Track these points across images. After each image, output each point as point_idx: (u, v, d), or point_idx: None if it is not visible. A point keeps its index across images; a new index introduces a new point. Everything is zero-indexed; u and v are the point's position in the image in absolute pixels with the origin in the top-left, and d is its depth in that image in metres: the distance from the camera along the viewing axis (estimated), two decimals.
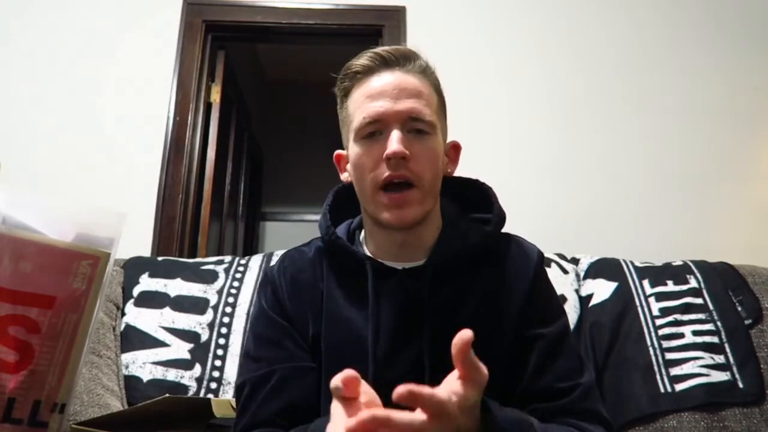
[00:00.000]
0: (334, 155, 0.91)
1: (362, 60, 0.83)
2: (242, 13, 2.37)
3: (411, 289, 0.82)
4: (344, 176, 0.89)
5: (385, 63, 0.82)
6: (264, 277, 0.92)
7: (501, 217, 0.89)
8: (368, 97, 0.81)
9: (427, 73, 0.85)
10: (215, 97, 2.40)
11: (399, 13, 2.33)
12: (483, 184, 0.94)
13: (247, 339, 0.89)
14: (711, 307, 1.46)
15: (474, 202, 0.93)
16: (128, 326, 1.37)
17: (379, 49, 0.83)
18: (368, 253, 0.88)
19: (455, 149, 0.90)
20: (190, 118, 2.21)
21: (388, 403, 0.74)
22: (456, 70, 2.23)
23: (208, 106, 2.37)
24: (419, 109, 0.80)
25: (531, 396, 0.79)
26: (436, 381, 0.75)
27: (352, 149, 0.83)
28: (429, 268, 0.83)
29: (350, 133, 0.83)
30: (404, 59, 0.83)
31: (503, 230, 0.90)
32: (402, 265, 0.85)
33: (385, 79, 0.81)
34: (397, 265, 0.85)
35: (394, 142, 0.77)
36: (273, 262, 1.23)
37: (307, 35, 2.43)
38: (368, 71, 0.82)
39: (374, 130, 0.80)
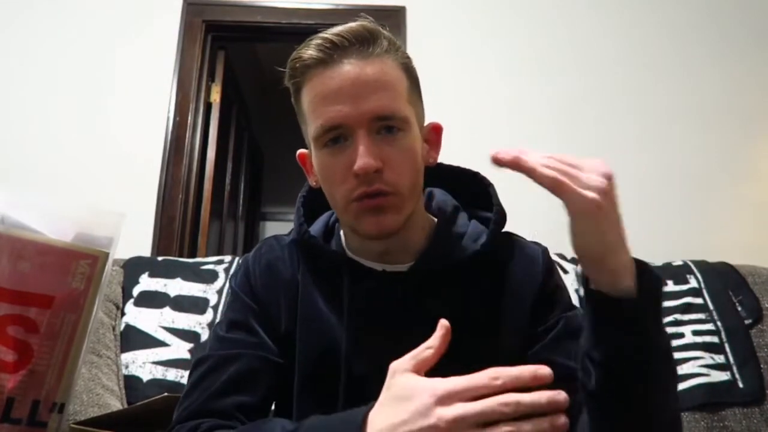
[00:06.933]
0: (298, 155, 0.79)
1: (311, 50, 0.69)
2: (242, 13, 2.37)
3: (392, 295, 0.74)
4: (312, 181, 0.78)
5: (338, 50, 0.68)
6: (239, 263, 0.84)
7: (501, 219, 0.79)
8: (323, 99, 0.68)
9: (391, 52, 0.70)
10: (215, 97, 2.40)
11: (399, 13, 2.33)
12: (484, 178, 0.84)
13: (218, 323, 0.80)
14: (711, 307, 1.46)
15: (473, 195, 0.84)
16: (128, 326, 1.37)
17: (330, 33, 0.69)
18: (348, 251, 0.78)
19: (436, 132, 0.78)
20: (190, 118, 2.21)
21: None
22: (456, 69, 2.23)
23: (208, 106, 2.37)
24: (387, 105, 0.68)
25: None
26: None
27: (315, 157, 0.72)
28: (413, 275, 0.75)
29: (310, 139, 0.72)
30: (361, 42, 0.68)
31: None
32: (383, 266, 0.76)
33: (340, 74, 0.67)
34: (377, 266, 0.76)
35: (362, 155, 0.66)
36: None
37: (307, 35, 2.41)
38: (319, 63, 0.68)
39: (336, 136, 0.68)
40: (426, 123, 0.78)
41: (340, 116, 0.67)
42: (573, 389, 0.67)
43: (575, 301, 1.50)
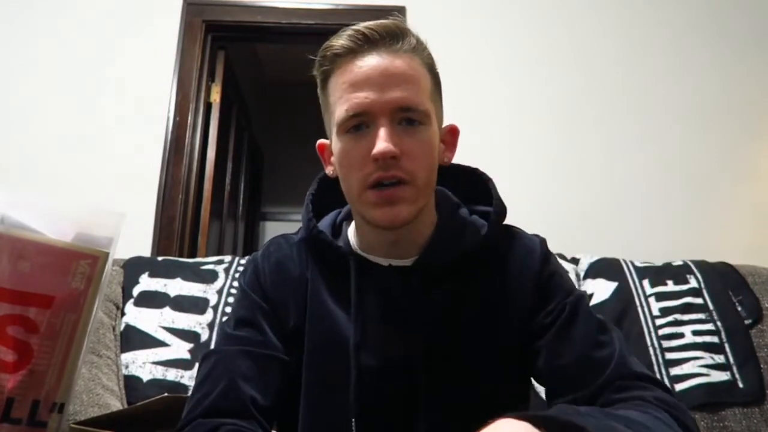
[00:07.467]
0: (317, 145, 0.82)
1: (342, 40, 0.73)
2: (242, 13, 2.37)
3: (399, 289, 0.76)
4: (329, 170, 0.81)
5: (369, 42, 0.72)
6: (247, 261, 0.85)
7: (501, 212, 0.81)
8: (351, 86, 0.71)
9: (418, 51, 0.75)
10: (215, 97, 2.40)
11: (399, 13, 2.32)
12: (483, 174, 0.87)
13: (226, 321, 0.82)
14: (711, 307, 1.46)
15: (472, 191, 0.86)
16: (128, 326, 1.37)
17: (362, 26, 0.73)
18: (355, 247, 0.81)
19: (452, 134, 0.81)
20: (190, 118, 2.21)
21: (371, 410, 0.72)
22: (456, 69, 2.23)
23: (208, 106, 2.37)
24: (410, 98, 0.71)
25: (560, 374, 0.72)
26: (431, 391, 0.73)
27: (336, 143, 0.74)
28: (418, 268, 0.76)
29: (332, 125, 0.74)
30: (391, 37, 0.73)
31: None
32: (389, 261, 0.78)
33: (369, 63, 0.71)
34: (383, 261, 0.78)
35: (382, 139, 0.69)
36: None
37: (307, 35, 2.43)
38: (349, 53, 0.72)
39: (359, 123, 0.71)
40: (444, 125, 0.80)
41: (366, 103, 0.70)
42: (590, 378, 0.69)
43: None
